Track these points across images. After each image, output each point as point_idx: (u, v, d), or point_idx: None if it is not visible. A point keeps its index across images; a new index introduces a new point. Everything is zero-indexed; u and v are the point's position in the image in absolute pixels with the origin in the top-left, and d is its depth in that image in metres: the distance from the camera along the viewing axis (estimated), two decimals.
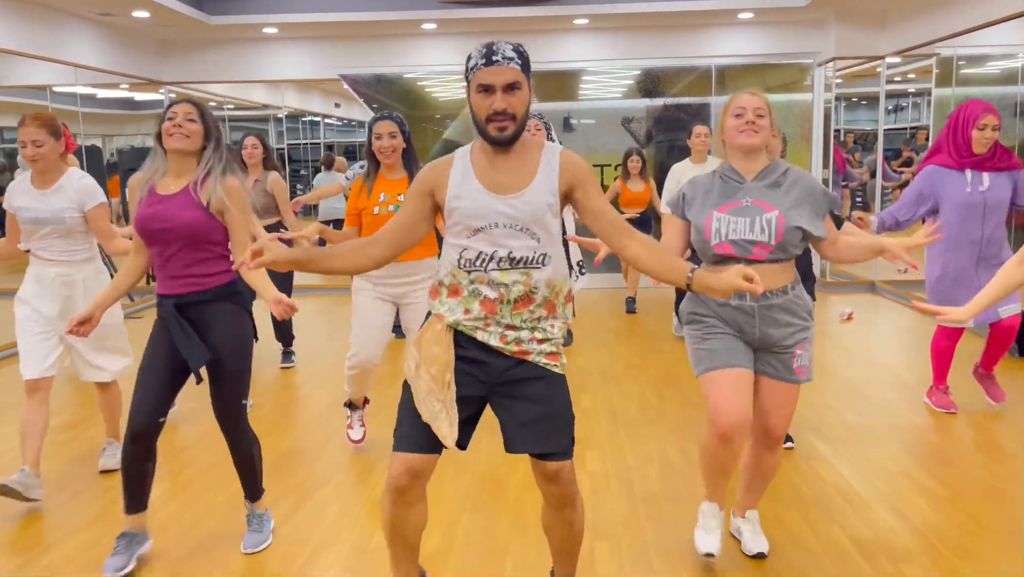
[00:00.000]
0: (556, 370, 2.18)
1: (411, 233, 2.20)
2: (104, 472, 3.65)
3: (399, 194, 3.45)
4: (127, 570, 2.73)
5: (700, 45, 8.48)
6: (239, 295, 2.79)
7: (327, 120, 13.35)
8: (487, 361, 2.16)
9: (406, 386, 2.21)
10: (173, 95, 8.99)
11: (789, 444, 3.69)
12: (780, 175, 2.53)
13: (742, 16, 8.07)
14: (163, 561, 2.85)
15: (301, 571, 2.77)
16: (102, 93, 7.79)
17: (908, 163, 10.26)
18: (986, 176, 3.95)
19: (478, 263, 2.12)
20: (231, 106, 10.35)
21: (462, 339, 2.17)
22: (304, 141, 12.59)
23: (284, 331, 5.50)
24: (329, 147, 12.69)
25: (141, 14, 7.18)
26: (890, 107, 9.35)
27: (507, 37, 8.12)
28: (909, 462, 3.59)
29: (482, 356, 2.16)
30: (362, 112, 12.56)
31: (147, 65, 8.43)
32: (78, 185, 3.36)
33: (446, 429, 2.11)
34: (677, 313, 4.78)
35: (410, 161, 3.58)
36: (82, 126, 7.70)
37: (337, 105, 13.43)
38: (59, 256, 3.40)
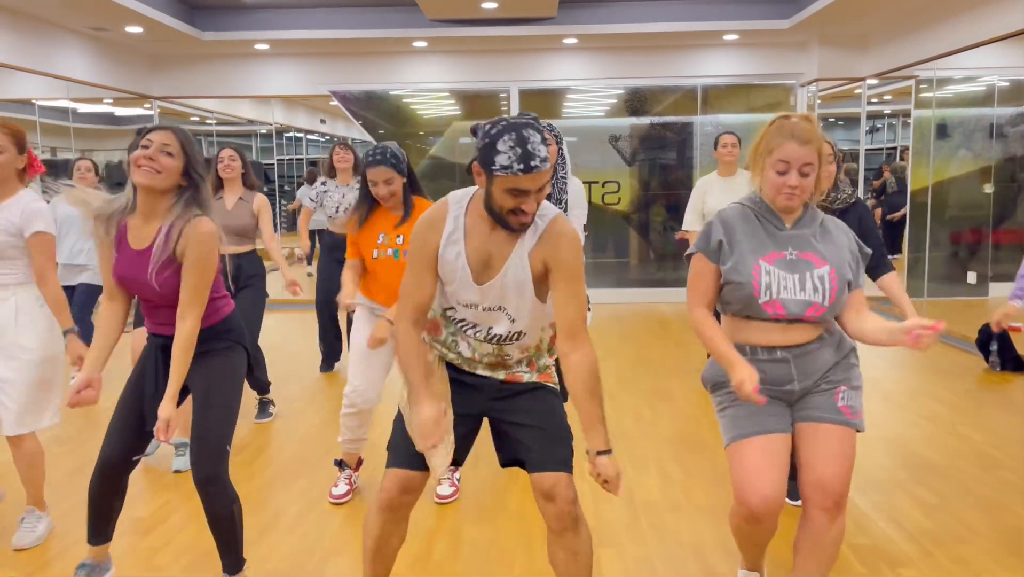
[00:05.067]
0: (550, 383, 2.21)
1: (433, 295, 2.15)
2: (18, 550, 3.00)
3: (398, 236, 3.18)
4: None
5: (686, 65, 8.65)
6: (230, 332, 2.53)
7: (310, 136, 13.41)
8: (479, 384, 2.20)
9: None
10: (157, 109, 9.00)
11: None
12: (819, 223, 2.25)
13: (727, 38, 8.25)
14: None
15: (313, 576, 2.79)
16: (82, 108, 7.79)
17: (885, 182, 10.48)
18: None
19: (460, 325, 2.18)
20: (213, 121, 10.37)
21: (452, 368, 2.22)
22: (287, 157, 12.65)
23: (258, 376, 4.63)
24: (312, 163, 12.74)
25: (134, 29, 7.22)
26: (867, 128, 9.58)
27: (497, 56, 8.18)
28: (900, 472, 3.68)
29: (474, 381, 2.20)
30: (345, 128, 12.65)
31: (136, 79, 8.45)
32: (26, 208, 2.88)
33: (439, 460, 2.07)
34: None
35: (409, 198, 3.22)
36: (73, 141, 7.69)
37: (323, 121, 13.50)
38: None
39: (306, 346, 6.67)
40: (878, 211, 10.05)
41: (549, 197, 3.77)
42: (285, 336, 7.06)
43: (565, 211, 3.83)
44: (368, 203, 3.23)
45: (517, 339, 2.15)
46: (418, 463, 2.12)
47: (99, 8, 6.42)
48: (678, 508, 3.31)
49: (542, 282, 2.08)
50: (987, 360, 5.56)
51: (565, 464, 2.09)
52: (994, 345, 5.49)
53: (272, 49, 8.45)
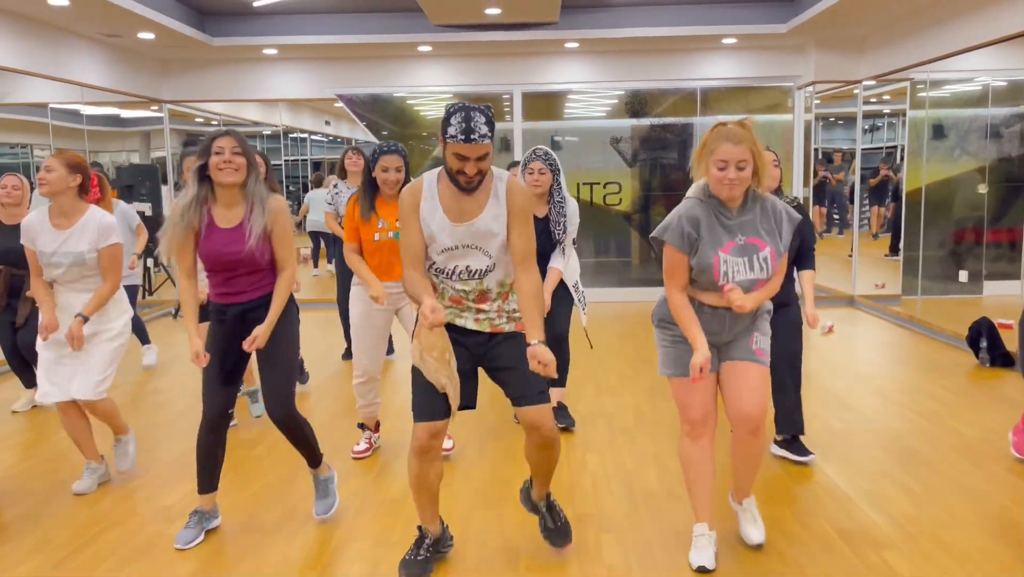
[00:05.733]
0: (522, 332, 2.68)
1: (423, 244, 2.67)
2: (123, 472, 3.83)
3: (397, 220, 3.66)
4: (196, 542, 3.13)
5: (686, 68, 8.80)
6: (289, 297, 3.12)
7: (314, 136, 13.55)
8: (469, 339, 2.72)
9: (415, 370, 2.69)
10: (167, 111, 9.16)
11: (811, 456, 3.81)
12: (760, 206, 2.74)
13: (726, 41, 8.40)
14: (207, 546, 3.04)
15: (328, 565, 2.95)
16: (87, 110, 7.92)
17: (885, 181, 10.61)
18: None
19: (444, 274, 2.69)
20: (216, 122, 10.52)
21: (448, 327, 2.71)
22: (293, 157, 12.78)
23: None
24: (317, 164, 12.87)
25: (147, 36, 7.39)
26: (866, 127, 9.70)
27: (500, 60, 8.32)
28: (889, 463, 3.84)
29: (464, 337, 2.72)
30: (350, 129, 12.80)
31: (146, 84, 8.62)
32: (99, 225, 3.52)
33: (454, 397, 2.65)
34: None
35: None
36: (87, 143, 7.86)
37: (327, 123, 13.64)
38: (86, 285, 3.58)
39: (316, 343, 6.83)
40: (876, 209, 10.14)
41: (550, 218, 4.17)
42: None
43: (564, 229, 4.18)
44: (370, 194, 3.76)
45: (491, 271, 2.67)
46: (437, 414, 2.66)
47: (114, 16, 6.59)
48: (675, 497, 3.47)
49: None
50: (977, 356, 5.72)
51: (543, 395, 2.65)
52: (984, 342, 5.64)
53: (280, 54, 8.61)
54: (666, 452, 4.04)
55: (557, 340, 4.32)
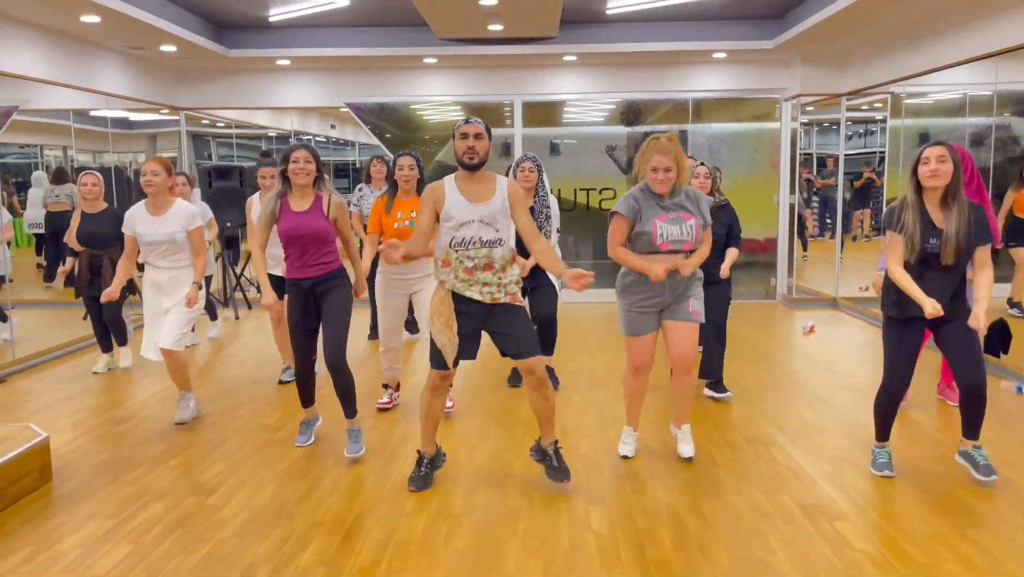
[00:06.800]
0: (518, 304, 3.57)
1: (432, 233, 3.58)
2: (180, 423, 4.78)
3: (412, 211, 4.68)
4: (310, 442, 4.41)
5: (678, 81, 9.21)
6: (345, 273, 4.11)
7: (318, 139, 13.94)
8: (474, 308, 3.53)
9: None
10: (183, 115, 9.56)
11: (727, 393, 5.19)
12: (684, 194, 3.81)
13: (716, 56, 8.81)
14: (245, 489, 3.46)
15: (352, 528, 3.37)
16: (101, 112, 8.29)
17: (869, 184, 10.98)
18: None
19: (462, 245, 3.49)
20: (222, 124, 10.90)
21: (458, 298, 3.53)
22: None
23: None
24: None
25: (168, 48, 7.80)
26: (860, 131, 10.07)
27: (502, 72, 8.74)
28: (853, 450, 4.26)
29: (471, 307, 3.53)
30: (354, 133, 13.20)
31: (164, 92, 9.03)
32: (186, 213, 4.63)
33: (450, 355, 3.53)
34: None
35: (422, 188, 4.56)
36: (111, 144, 8.26)
37: (333, 127, 14.04)
38: (174, 263, 4.67)
39: None
40: (858, 213, 10.50)
41: (534, 208, 5.08)
42: None
43: (548, 217, 5.15)
44: (392, 194, 4.77)
45: (500, 245, 3.50)
46: (446, 365, 3.56)
47: (140, 30, 6.99)
48: (657, 475, 3.90)
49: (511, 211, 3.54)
50: None
51: (534, 349, 3.55)
52: None
53: (293, 65, 9.01)
54: (651, 436, 4.46)
55: (546, 321, 5.22)
